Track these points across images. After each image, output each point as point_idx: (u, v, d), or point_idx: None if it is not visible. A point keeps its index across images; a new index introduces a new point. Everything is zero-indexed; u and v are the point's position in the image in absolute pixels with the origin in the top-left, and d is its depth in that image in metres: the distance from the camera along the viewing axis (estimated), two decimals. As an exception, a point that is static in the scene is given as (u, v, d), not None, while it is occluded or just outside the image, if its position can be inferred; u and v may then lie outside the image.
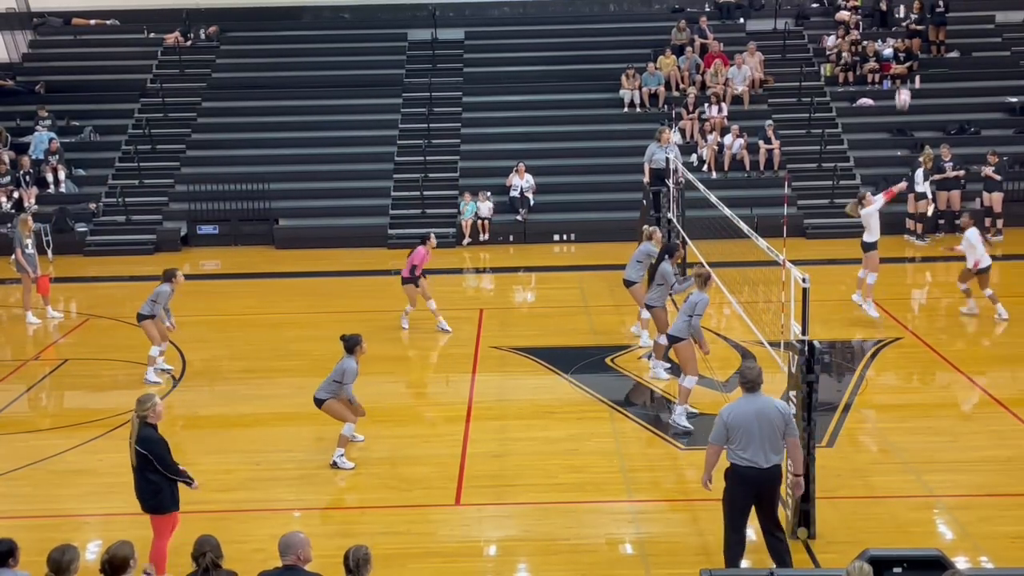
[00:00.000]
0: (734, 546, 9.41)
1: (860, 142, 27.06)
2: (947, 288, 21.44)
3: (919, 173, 24.09)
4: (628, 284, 16.76)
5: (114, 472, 11.69)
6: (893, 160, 25.73)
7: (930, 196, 24.18)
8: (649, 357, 15.76)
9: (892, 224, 24.74)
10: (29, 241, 19.13)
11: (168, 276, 15.65)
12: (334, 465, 12.41)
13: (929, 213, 24.22)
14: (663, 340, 14.96)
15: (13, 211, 25.25)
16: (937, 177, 24.40)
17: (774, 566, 9.17)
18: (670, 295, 15.69)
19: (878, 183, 25.82)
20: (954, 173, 24.58)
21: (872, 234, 17.65)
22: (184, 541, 8.12)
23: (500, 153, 27.06)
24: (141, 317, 15.57)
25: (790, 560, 9.39)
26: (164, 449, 9.56)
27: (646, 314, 16.23)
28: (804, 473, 10.17)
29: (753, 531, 9.70)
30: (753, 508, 9.44)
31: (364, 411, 12.62)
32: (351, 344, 12.39)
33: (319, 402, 12.47)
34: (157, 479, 9.51)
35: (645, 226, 17.89)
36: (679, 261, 16.13)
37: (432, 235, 18.07)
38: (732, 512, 9.41)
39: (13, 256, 19.09)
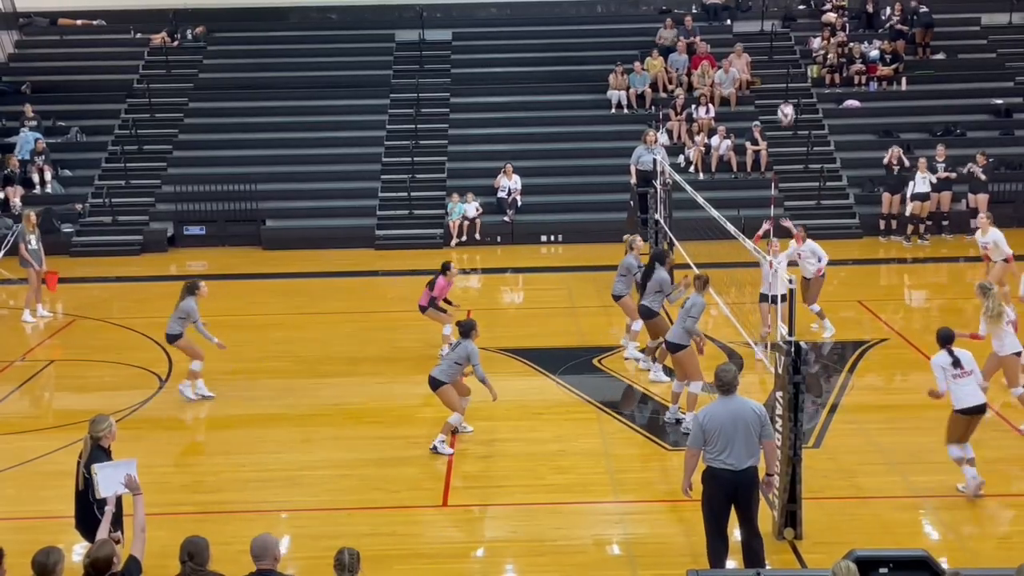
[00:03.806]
0: (717, 548, 9.43)
1: (846, 143, 27.13)
2: (934, 289, 21.56)
3: (918, 176, 24.17)
4: (616, 299, 16.38)
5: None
6: (879, 161, 25.77)
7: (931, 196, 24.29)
8: (639, 360, 15.71)
9: (873, 225, 24.88)
10: (33, 236, 19.39)
11: (191, 289, 14.67)
12: (434, 450, 12.63)
13: (908, 213, 24.27)
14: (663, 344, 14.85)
15: (-1, 211, 25.26)
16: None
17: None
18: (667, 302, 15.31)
19: (863, 184, 25.98)
20: (945, 174, 24.66)
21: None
22: (172, 543, 8.09)
23: (488, 154, 27.06)
24: (172, 337, 14.66)
25: (763, 564, 9.40)
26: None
27: (636, 326, 15.98)
28: (791, 474, 10.22)
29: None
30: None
31: (496, 394, 12.86)
32: (467, 328, 12.78)
33: (437, 383, 12.65)
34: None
35: (626, 236, 17.55)
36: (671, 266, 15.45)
37: (452, 265, 16.76)
38: (711, 515, 9.42)
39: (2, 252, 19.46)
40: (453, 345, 13.11)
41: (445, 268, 16.41)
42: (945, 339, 11.52)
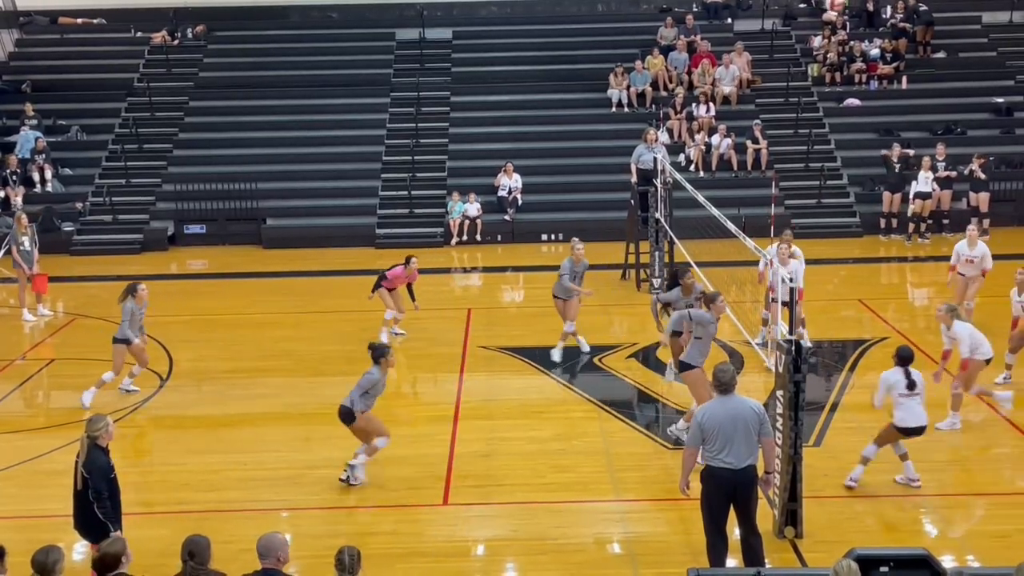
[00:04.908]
0: (717, 546, 9.43)
1: (847, 142, 27.12)
2: (935, 288, 21.53)
3: (921, 174, 24.13)
4: (554, 297, 16.53)
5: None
6: (879, 160, 25.76)
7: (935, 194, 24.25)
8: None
9: (873, 224, 24.88)
10: (25, 238, 19.43)
11: (129, 292, 14.66)
12: (346, 479, 11.91)
13: (910, 211, 24.25)
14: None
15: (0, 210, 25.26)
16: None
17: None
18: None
19: (864, 182, 25.97)
20: (945, 173, 24.64)
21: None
22: (173, 541, 8.10)
23: (488, 153, 27.05)
24: (116, 340, 14.67)
25: (762, 563, 9.40)
26: (102, 481, 9.15)
27: (569, 327, 16.15)
28: (792, 473, 10.22)
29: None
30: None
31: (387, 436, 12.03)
32: (378, 353, 11.81)
33: (350, 417, 11.74)
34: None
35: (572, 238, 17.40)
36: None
37: (414, 260, 17.36)
38: (710, 513, 9.42)
39: (2, 252, 19.55)
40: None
41: (407, 261, 17.24)
42: (904, 359, 11.36)
